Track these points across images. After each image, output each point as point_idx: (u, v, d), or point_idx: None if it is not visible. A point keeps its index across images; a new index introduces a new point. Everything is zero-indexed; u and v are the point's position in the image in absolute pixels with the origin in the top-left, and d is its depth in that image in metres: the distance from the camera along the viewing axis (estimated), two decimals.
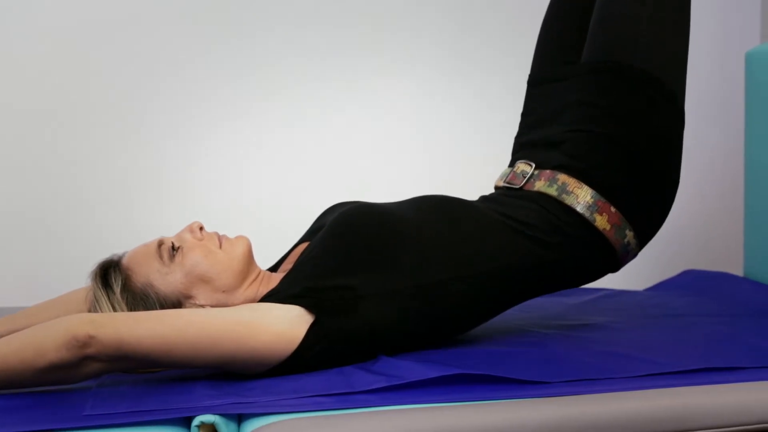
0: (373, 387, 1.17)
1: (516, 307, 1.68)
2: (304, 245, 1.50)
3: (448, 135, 2.59)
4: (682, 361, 1.30)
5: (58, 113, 2.35)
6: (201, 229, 1.39)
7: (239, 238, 1.40)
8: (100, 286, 1.32)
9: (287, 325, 1.26)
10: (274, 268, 1.56)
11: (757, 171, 2.09)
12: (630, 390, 1.17)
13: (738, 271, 2.27)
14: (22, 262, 2.33)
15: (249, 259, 1.39)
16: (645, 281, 2.45)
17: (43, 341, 1.16)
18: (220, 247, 1.38)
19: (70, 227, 2.35)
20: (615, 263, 1.55)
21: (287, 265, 1.49)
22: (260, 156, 2.47)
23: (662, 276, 2.44)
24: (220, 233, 1.41)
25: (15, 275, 2.30)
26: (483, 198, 1.59)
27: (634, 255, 1.57)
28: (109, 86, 2.38)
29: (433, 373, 1.19)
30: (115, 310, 1.30)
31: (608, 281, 2.02)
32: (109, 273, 1.34)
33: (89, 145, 2.36)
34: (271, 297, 1.31)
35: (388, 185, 2.50)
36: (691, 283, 2.17)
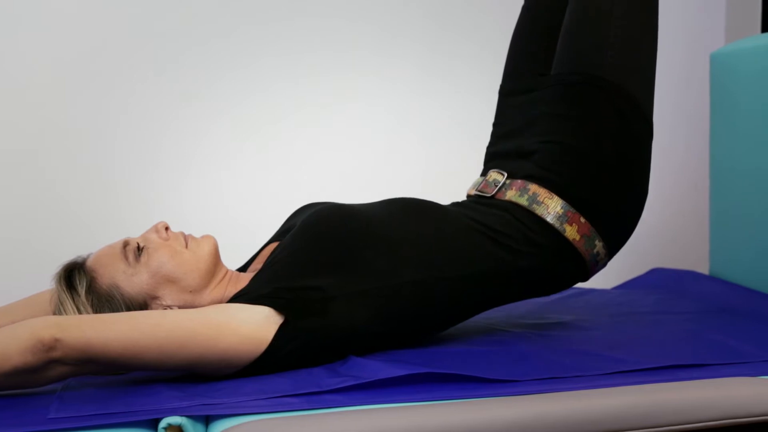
0: (341, 386, 1.17)
1: None
2: (274, 245, 1.49)
3: (430, 133, 2.59)
4: (650, 358, 1.32)
5: (41, 119, 2.31)
6: (167, 229, 1.38)
7: (205, 237, 1.39)
8: (64, 289, 1.30)
9: (256, 326, 1.25)
10: (243, 269, 1.55)
11: (722, 171, 2.11)
12: (598, 387, 1.18)
13: (704, 269, 2.29)
14: (13, 273, 2.29)
15: (216, 258, 1.38)
16: (613, 280, 2.46)
17: (7, 345, 1.15)
18: (186, 246, 1.37)
19: (55, 233, 2.31)
20: (584, 273, 1.56)
21: (257, 265, 1.48)
22: (235, 155, 2.45)
23: (630, 275, 2.45)
24: (186, 233, 1.40)
25: (10, 286, 2.26)
26: (455, 204, 1.59)
27: (604, 265, 1.57)
28: (93, 91, 2.35)
29: (402, 372, 1.19)
30: (80, 312, 1.28)
31: None
32: (73, 275, 1.32)
33: (70, 150, 2.33)
34: (241, 297, 1.31)
35: (366, 184, 2.50)
36: (658, 282, 2.20)
